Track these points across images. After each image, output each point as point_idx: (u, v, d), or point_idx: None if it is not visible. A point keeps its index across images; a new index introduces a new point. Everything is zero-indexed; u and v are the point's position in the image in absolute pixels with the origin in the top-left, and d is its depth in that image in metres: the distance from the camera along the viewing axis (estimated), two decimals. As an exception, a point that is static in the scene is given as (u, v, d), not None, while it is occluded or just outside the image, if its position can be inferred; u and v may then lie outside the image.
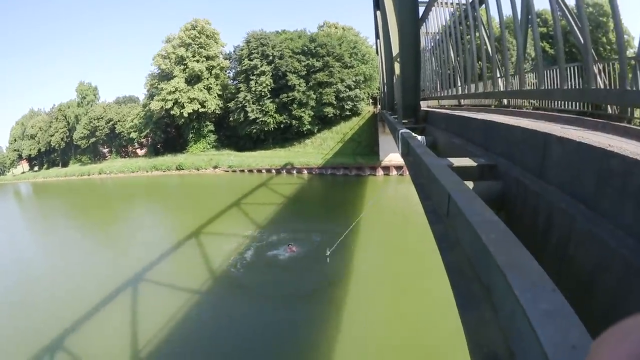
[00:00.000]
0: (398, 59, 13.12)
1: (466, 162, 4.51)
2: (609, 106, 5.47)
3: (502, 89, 8.43)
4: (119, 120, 66.59)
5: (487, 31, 10.47)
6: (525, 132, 3.69)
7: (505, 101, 8.72)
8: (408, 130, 8.22)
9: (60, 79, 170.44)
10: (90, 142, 70.84)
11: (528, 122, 4.79)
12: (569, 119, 4.74)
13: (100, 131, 68.42)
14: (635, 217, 1.98)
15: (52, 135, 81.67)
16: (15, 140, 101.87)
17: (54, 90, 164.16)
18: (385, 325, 14.20)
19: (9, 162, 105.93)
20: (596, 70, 6.23)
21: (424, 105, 13.35)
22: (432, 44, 19.42)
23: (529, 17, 6.96)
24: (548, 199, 2.81)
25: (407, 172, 36.68)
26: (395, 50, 14.29)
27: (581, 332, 1.13)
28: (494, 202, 3.74)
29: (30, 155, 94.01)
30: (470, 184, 3.74)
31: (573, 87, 6.15)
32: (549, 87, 6.66)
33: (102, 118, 68.11)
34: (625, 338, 0.38)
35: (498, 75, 9.02)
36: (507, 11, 7.21)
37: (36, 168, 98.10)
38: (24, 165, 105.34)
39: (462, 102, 13.03)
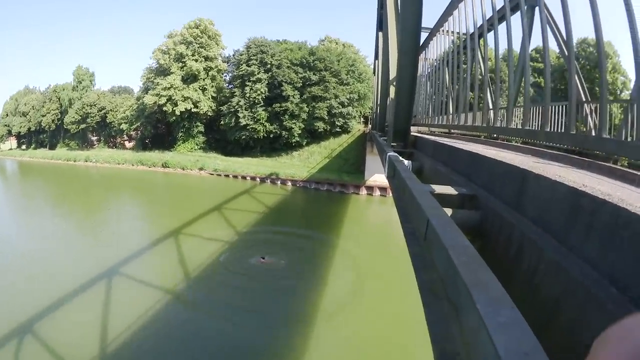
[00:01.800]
0: (394, 83, 13.27)
1: (448, 190, 4.67)
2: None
3: (491, 123, 8.67)
4: (111, 110, 66.36)
5: (483, 64, 10.71)
6: (506, 167, 3.85)
7: (501, 124, 8.90)
8: (396, 154, 8.39)
9: (57, 60, 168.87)
10: (80, 128, 70.43)
11: (514, 156, 5.01)
12: (556, 155, 4.95)
13: (92, 118, 68.07)
14: (599, 251, 2.14)
15: (43, 116, 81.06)
16: (7, 115, 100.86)
17: (50, 70, 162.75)
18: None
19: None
20: (588, 110, 6.42)
21: (414, 130, 13.55)
22: (429, 70, 19.76)
23: (525, 55, 7.27)
24: (521, 230, 2.96)
25: (390, 194, 37.28)
26: (392, 73, 14.47)
27: (534, 342, 1.26)
28: (472, 230, 3.93)
29: (19, 132, 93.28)
30: (449, 211, 3.93)
31: (561, 125, 6.38)
32: (535, 127, 6.87)
33: (95, 105, 67.76)
34: (625, 337, 0.38)
35: (490, 107, 9.24)
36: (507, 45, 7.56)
37: (24, 146, 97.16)
38: (12, 142, 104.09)
39: (452, 131, 13.31)
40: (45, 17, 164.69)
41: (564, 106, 6.43)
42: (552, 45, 6.60)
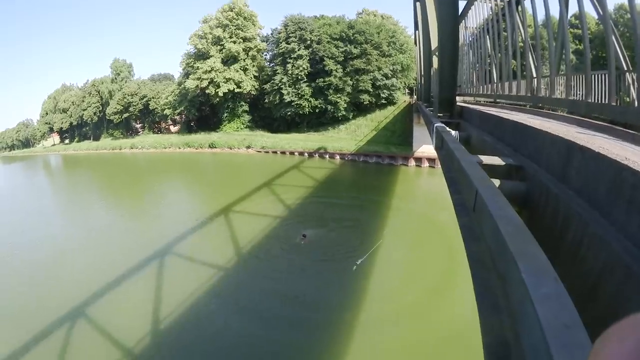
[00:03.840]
0: (436, 53, 13.38)
1: (495, 160, 4.76)
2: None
3: (535, 92, 8.59)
4: (152, 97, 67.38)
5: (523, 31, 10.52)
6: (551, 137, 3.85)
7: (545, 94, 8.67)
8: (443, 125, 8.39)
9: (93, 56, 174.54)
10: (123, 117, 72.07)
11: (558, 126, 4.94)
12: (600, 126, 4.86)
13: (134, 107, 69.45)
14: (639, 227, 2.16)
15: (84, 110, 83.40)
16: (46, 113, 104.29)
17: (86, 67, 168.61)
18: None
19: (40, 135, 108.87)
20: (630, 80, 6.06)
21: (459, 100, 13.54)
22: (471, 39, 19.25)
23: (563, 21, 6.91)
24: (567, 203, 3.00)
25: (439, 165, 36.35)
26: (434, 43, 14.40)
27: (574, 315, 1.34)
28: (519, 201, 3.98)
29: (61, 128, 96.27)
30: (497, 182, 3.94)
31: (604, 95, 6.08)
32: (578, 96, 6.57)
33: (136, 94, 69.09)
34: (626, 336, 0.37)
35: (534, 76, 9.03)
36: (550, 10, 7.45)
37: (67, 141, 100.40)
38: (55, 138, 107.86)
39: (497, 99, 12.96)
40: (79, 15, 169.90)
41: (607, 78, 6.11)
42: (591, 11, 6.11)
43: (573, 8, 6.92)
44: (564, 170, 3.42)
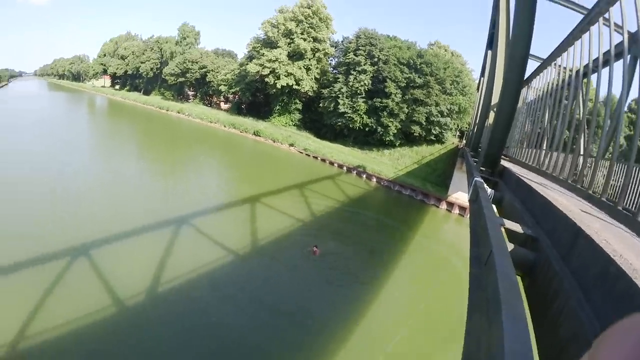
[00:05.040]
0: (494, 109, 13.57)
1: (516, 227, 5.26)
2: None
3: (577, 172, 8.82)
4: (212, 70, 68.40)
5: (582, 105, 10.54)
6: (566, 220, 4.24)
7: (577, 178, 8.84)
8: (482, 181, 8.81)
9: (161, 14, 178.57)
10: (178, 80, 73.33)
11: (579, 211, 5.24)
12: (634, 223, 5.04)
13: (191, 74, 70.58)
14: (613, 312, 2.53)
15: (143, 62, 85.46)
16: (104, 55, 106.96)
17: (151, 23, 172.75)
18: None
19: (92, 73, 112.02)
20: None
21: (504, 159, 13.78)
22: (530, 100, 19.26)
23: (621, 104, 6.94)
24: (561, 278, 3.44)
25: (468, 216, 35.84)
26: (495, 98, 14.58)
27: (529, 348, 1.93)
28: (525, 267, 4.49)
29: (115, 73, 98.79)
30: (511, 246, 4.51)
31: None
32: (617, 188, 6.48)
33: (196, 62, 70.24)
34: (625, 337, 0.38)
35: (580, 153, 9.13)
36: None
37: (117, 87, 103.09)
38: (106, 80, 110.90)
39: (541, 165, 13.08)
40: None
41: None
42: None
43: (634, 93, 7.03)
44: (569, 251, 3.82)
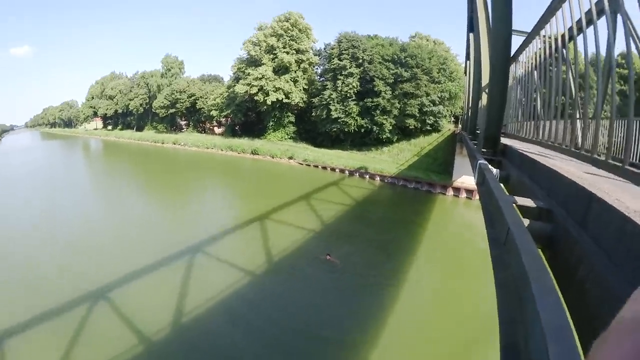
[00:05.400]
0: (486, 90, 13.60)
1: (528, 202, 5.21)
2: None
3: (576, 137, 8.75)
4: (201, 97, 68.85)
5: (573, 69, 10.32)
6: (577, 187, 4.23)
7: (579, 143, 8.64)
8: (486, 162, 8.85)
9: (142, 49, 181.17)
10: (169, 112, 73.76)
11: (590, 175, 5.24)
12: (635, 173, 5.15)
13: (181, 104, 70.99)
14: (634, 269, 2.54)
15: (131, 100, 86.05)
16: (92, 97, 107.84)
17: (134, 59, 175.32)
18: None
19: (83, 117, 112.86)
20: None
21: (503, 137, 13.71)
22: (520, 74, 19.37)
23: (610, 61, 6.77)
24: (582, 245, 3.45)
25: (476, 197, 35.54)
26: (484, 79, 14.65)
27: (567, 321, 1.90)
28: (543, 240, 4.51)
29: (105, 114, 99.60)
30: (527, 222, 4.50)
31: None
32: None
33: (184, 92, 70.66)
34: (625, 337, 0.39)
35: (577, 117, 9.07)
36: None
37: (110, 127, 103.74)
38: (98, 122, 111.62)
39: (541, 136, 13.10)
40: (132, 7, 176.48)
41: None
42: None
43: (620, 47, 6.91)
44: (585, 217, 3.78)
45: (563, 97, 11.17)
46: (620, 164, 5.95)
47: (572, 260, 3.64)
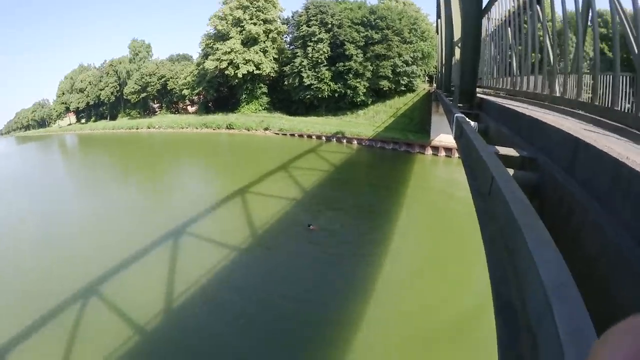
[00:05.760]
0: (459, 45, 13.64)
1: (511, 152, 5.06)
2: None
3: (556, 90, 8.72)
4: (171, 77, 67.58)
5: (543, 26, 10.42)
6: (562, 134, 4.12)
7: (558, 92, 8.70)
8: (463, 115, 8.73)
9: (111, 37, 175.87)
10: (140, 97, 72.45)
11: (571, 124, 5.20)
12: (617, 127, 5.06)
13: (152, 87, 69.69)
14: (632, 215, 2.42)
15: (101, 90, 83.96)
16: (63, 93, 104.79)
17: (103, 47, 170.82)
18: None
19: (56, 115, 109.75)
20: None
21: (479, 90, 13.77)
22: (493, 31, 19.21)
23: (590, 16, 6.86)
24: (571, 193, 3.30)
25: (455, 155, 35.86)
26: (457, 34, 14.56)
27: (569, 276, 1.69)
28: (530, 190, 4.26)
29: (78, 108, 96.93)
30: (511, 171, 4.27)
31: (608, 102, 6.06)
32: (603, 99, 6.45)
33: (154, 74, 69.29)
34: (625, 338, 0.38)
35: (557, 72, 9.06)
36: (571, 6, 7.50)
37: (83, 120, 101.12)
38: (71, 117, 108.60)
39: (517, 88, 12.98)
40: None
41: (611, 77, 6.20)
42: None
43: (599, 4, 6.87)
44: (572, 163, 3.67)
45: (540, 54, 10.99)
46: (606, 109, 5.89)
47: (562, 210, 3.50)
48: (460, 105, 11.96)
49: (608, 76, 6.13)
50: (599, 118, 5.75)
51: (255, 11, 55.07)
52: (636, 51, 5.16)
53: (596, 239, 2.71)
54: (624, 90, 5.74)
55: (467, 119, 8.63)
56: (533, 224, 2.27)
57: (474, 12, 10.77)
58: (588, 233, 2.85)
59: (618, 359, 0.36)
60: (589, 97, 6.81)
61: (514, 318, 2.28)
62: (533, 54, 11.15)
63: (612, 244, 2.47)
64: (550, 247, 1.98)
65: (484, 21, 17.85)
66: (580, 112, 6.74)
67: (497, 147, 5.33)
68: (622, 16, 5.55)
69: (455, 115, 8.71)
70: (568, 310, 1.46)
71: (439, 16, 30.33)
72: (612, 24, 5.89)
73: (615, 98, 5.69)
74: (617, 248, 2.39)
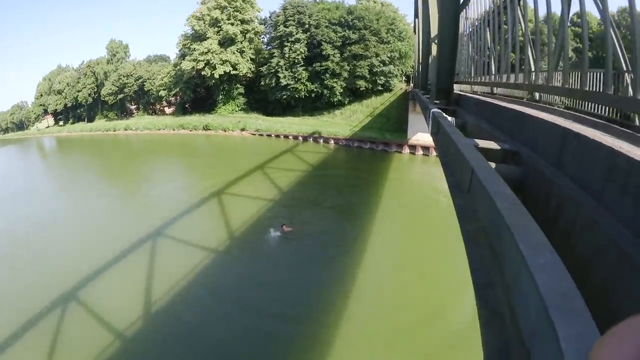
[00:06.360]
0: (436, 41, 13.29)
1: (491, 145, 4.79)
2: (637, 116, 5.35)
3: (532, 83, 8.56)
4: (148, 78, 67.06)
5: (524, 23, 10.37)
6: (548, 125, 3.92)
7: (537, 95, 8.72)
8: (439, 110, 8.52)
9: (89, 38, 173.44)
10: (118, 98, 71.83)
11: (555, 117, 4.97)
12: (596, 123, 4.91)
13: (129, 88, 69.18)
14: (634, 211, 2.19)
15: (79, 91, 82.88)
16: (41, 95, 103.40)
17: (82, 49, 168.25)
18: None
19: (34, 117, 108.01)
20: (629, 80, 5.88)
21: (456, 88, 13.63)
22: (470, 30, 19.25)
23: (563, 17, 6.80)
24: (561, 187, 3.05)
25: (433, 154, 35.94)
26: (434, 31, 14.54)
27: (570, 283, 1.40)
28: (514, 185, 3.97)
29: (56, 110, 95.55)
30: (492, 165, 3.97)
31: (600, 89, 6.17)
32: (576, 86, 6.61)
33: (131, 75, 68.78)
34: (626, 339, 0.38)
35: (531, 70, 8.98)
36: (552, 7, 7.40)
37: (61, 122, 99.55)
38: (49, 120, 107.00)
39: (495, 90, 12.97)
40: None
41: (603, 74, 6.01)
42: (593, 10, 5.99)
43: (575, 7, 6.87)
44: (559, 156, 3.46)
45: (513, 54, 10.98)
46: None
47: (551, 206, 3.24)
48: (437, 101, 11.84)
49: (595, 73, 6.03)
50: (582, 115, 5.51)
51: (233, 11, 54.93)
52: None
53: (592, 237, 2.45)
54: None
55: (444, 114, 8.42)
56: (524, 222, 1.97)
57: (451, 7, 10.70)
58: (581, 231, 2.61)
59: (617, 359, 0.36)
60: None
61: (501, 330, 1.99)
62: (513, 54, 11.14)
63: (610, 241, 2.21)
64: (546, 249, 1.68)
65: (462, 20, 17.85)
66: (561, 110, 6.56)
67: (476, 140, 5.03)
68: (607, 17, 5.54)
69: (432, 110, 8.47)
70: (575, 330, 1.18)
71: (416, 16, 30.28)
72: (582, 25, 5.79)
73: (607, 85, 5.53)
74: (617, 246, 2.13)
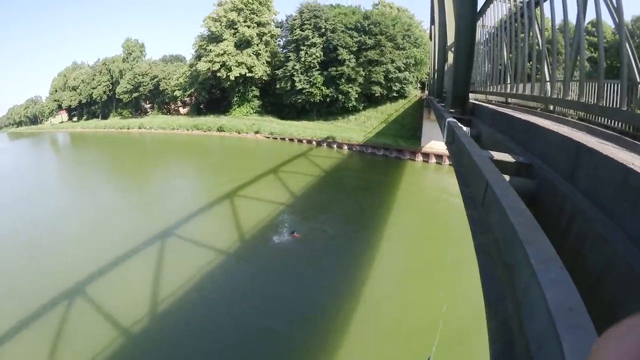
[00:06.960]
0: (452, 49, 13.35)
1: (506, 157, 4.79)
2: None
3: (548, 94, 8.48)
4: (163, 78, 67.50)
5: (540, 33, 10.35)
6: (561, 138, 3.92)
7: (551, 107, 8.69)
8: (455, 120, 8.51)
9: (104, 35, 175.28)
10: (132, 96, 72.36)
11: (568, 130, 4.99)
12: (609, 135, 4.90)
13: (144, 87, 69.68)
14: None
15: (94, 88, 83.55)
16: (55, 90, 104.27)
17: (97, 46, 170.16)
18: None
19: (48, 112, 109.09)
20: None
21: (471, 97, 13.58)
22: (486, 37, 19.14)
23: (580, 27, 6.88)
24: (573, 202, 3.06)
25: (446, 162, 35.56)
26: (450, 39, 14.43)
27: (578, 299, 1.47)
28: (527, 198, 3.98)
29: (70, 106, 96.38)
30: (506, 178, 4.00)
31: (617, 104, 6.12)
32: (591, 101, 6.54)
33: (147, 74, 69.26)
34: (625, 338, 0.38)
35: (547, 79, 8.92)
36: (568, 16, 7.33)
37: (75, 118, 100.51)
38: (63, 115, 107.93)
39: (510, 100, 12.90)
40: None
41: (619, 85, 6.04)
42: (608, 19, 5.92)
43: (590, 15, 6.85)
44: (572, 170, 3.47)
45: (528, 63, 10.95)
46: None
47: (563, 220, 3.26)
48: (452, 110, 11.81)
49: (611, 84, 6.05)
50: (595, 127, 5.64)
51: (250, 14, 55.14)
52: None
53: (602, 253, 2.50)
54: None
55: (459, 124, 8.43)
56: (536, 237, 2.05)
57: (468, 14, 10.68)
58: (592, 246, 2.65)
59: (617, 359, 0.37)
60: (594, 100, 6.75)
61: (510, 340, 2.06)
62: (528, 63, 11.11)
63: (620, 258, 2.25)
64: (556, 264, 1.76)
65: (478, 27, 17.78)
66: (575, 121, 6.63)
67: (491, 152, 5.05)
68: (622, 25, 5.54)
69: (447, 120, 8.50)
70: (580, 344, 1.27)
71: (432, 22, 30.22)
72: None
73: (622, 100, 5.48)
74: (626, 263, 2.18)
